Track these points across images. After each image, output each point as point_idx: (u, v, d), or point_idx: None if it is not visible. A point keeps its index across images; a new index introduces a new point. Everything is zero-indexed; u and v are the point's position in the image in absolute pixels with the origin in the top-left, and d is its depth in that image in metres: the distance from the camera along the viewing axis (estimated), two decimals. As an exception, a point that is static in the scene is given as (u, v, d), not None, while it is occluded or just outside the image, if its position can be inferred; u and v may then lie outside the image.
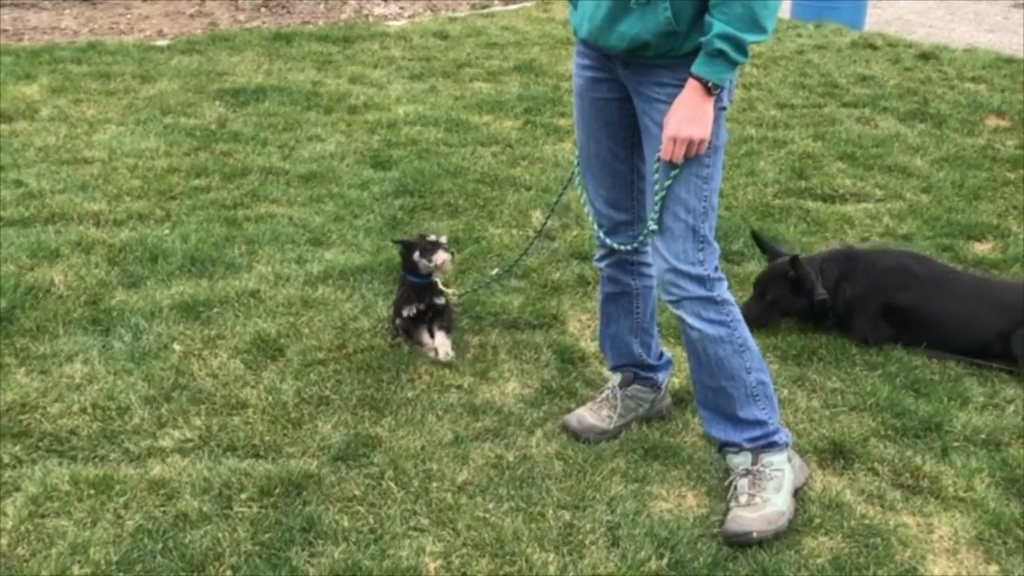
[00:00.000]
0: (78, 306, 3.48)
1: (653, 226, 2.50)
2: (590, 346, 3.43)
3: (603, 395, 2.99)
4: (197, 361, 3.19)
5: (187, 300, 3.53)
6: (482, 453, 2.83)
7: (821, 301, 3.46)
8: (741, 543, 2.47)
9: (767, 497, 2.55)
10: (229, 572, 2.34)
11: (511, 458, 2.81)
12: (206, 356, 3.22)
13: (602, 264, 2.87)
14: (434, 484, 2.67)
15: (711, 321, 2.52)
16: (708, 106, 2.34)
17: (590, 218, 2.82)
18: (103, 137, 5.18)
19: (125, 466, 2.70)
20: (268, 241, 4.02)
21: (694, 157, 2.40)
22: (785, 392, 3.17)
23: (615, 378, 2.99)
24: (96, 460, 2.72)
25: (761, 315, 3.50)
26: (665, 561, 2.43)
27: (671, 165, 2.42)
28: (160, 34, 7.75)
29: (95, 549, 2.37)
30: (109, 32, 7.80)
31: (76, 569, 2.32)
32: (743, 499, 2.56)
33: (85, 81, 6.08)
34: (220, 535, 2.44)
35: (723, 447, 2.65)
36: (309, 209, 4.37)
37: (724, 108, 2.45)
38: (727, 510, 2.57)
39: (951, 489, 2.73)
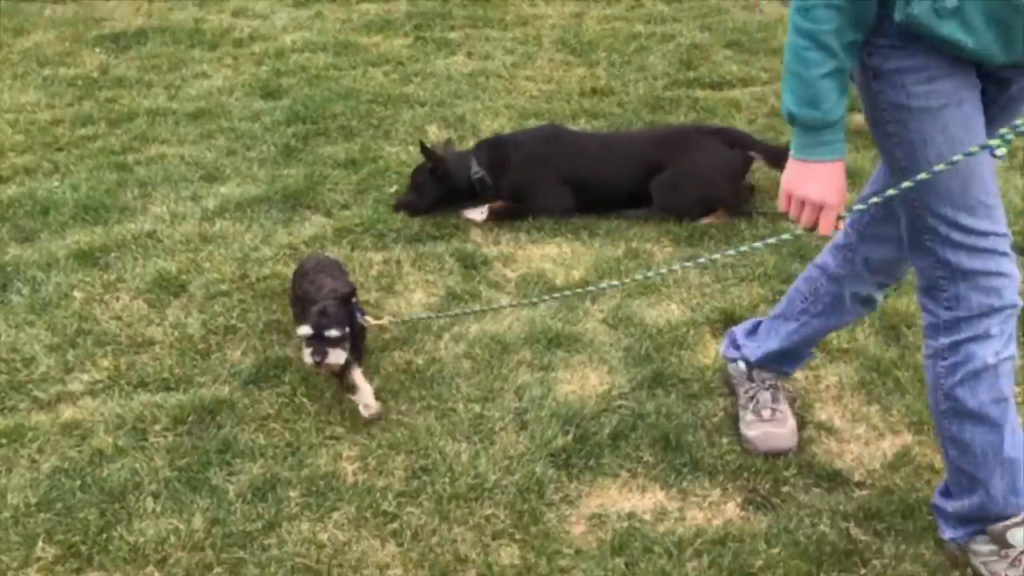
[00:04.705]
0: (-30, 266, 3.42)
1: None
2: (492, 251, 3.50)
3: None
4: (99, 306, 3.18)
5: (83, 248, 3.49)
6: (392, 361, 2.90)
7: (480, 179, 3.73)
8: (778, 455, 2.50)
9: (785, 410, 2.58)
10: (150, 499, 2.39)
11: (420, 362, 2.89)
12: (108, 300, 3.21)
13: None
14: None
15: None
16: None
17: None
18: (-21, 95, 5.00)
19: (36, 413, 2.71)
20: (161, 182, 3.98)
21: None
22: (679, 272, 3.29)
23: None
24: (5, 411, 2.72)
25: (413, 202, 3.71)
26: (571, 436, 2.55)
27: None
28: (29, -15, 7.39)
29: (13, 494, 2.40)
30: (-26, -13, 7.41)
31: (-4, 515, 2.35)
32: (766, 413, 2.55)
33: (-47, 40, 5.82)
34: (137, 466, 2.49)
35: (750, 363, 2.60)
36: (200, 146, 4.31)
37: None
38: (744, 420, 2.56)
39: (835, 342, 2.89)
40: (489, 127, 4.44)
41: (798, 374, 2.78)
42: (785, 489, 2.39)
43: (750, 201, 3.70)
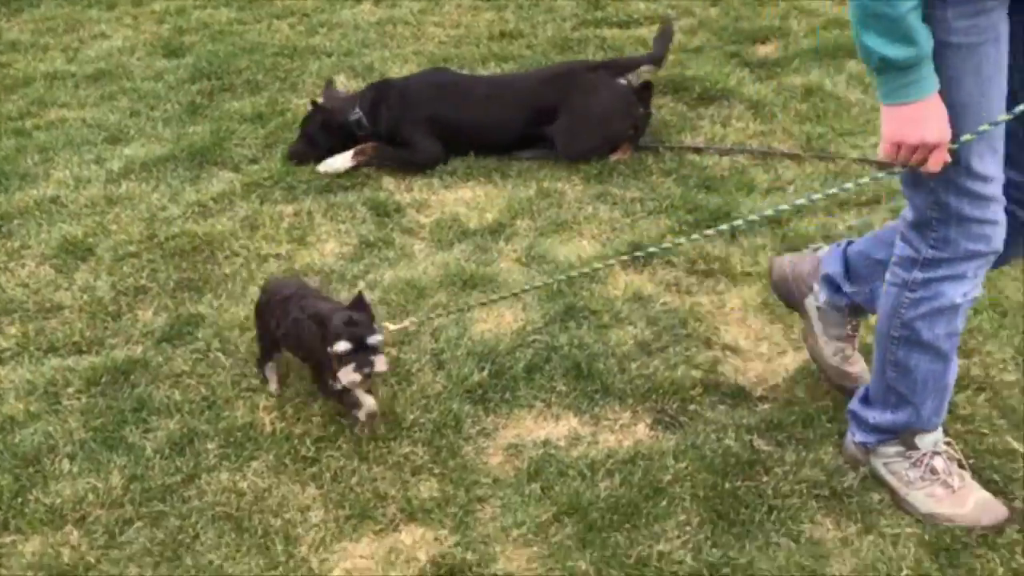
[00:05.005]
0: None
1: None
2: (404, 197, 3.51)
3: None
4: (4, 274, 3.12)
5: (-16, 218, 3.41)
6: (307, 311, 2.90)
7: (356, 121, 3.75)
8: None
9: None
10: (65, 460, 2.38)
11: (336, 311, 2.90)
12: (12, 268, 3.15)
13: None
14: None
15: None
16: None
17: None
18: None
19: (-58, 386, 2.66)
20: (63, 146, 3.88)
21: None
22: (590, 209, 3.35)
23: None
24: (-90, 386, 2.67)
25: (304, 150, 3.73)
26: (486, 372, 2.60)
27: None
28: (-89, -51, 7.04)
29: (-78, 467, 2.37)
30: None
31: (-94, 488, 2.32)
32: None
33: None
34: (51, 429, 2.47)
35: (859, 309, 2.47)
36: (102, 108, 4.21)
37: None
38: (844, 356, 2.49)
39: (739, 267, 2.99)
40: (398, 75, 4.39)
41: (703, 298, 2.87)
42: (692, 408, 2.48)
43: (649, 127, 3.75)
